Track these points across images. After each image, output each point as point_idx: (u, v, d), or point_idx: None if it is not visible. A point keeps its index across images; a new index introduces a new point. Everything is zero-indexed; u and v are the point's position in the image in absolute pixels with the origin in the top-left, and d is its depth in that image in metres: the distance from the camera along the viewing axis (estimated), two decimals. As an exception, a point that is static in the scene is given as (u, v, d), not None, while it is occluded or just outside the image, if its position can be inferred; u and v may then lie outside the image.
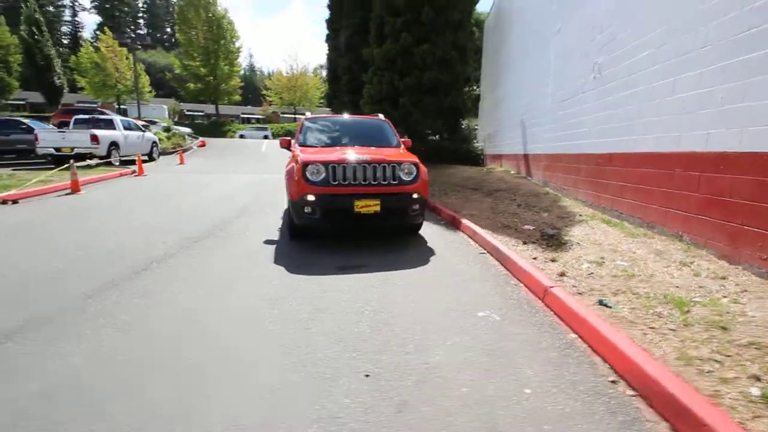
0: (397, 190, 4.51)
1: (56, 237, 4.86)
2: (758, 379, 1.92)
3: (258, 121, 49.13)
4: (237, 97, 37.94)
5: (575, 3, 7.33)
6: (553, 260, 4.03)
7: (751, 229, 3.30)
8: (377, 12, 14.20)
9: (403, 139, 5.85)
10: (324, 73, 66.16)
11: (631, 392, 1.96)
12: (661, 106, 4.53)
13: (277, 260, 4.12)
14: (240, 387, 1.97)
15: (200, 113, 48.21)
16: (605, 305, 2.87)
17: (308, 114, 5.96)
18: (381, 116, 6.26)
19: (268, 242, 4.87)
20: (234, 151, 20.44)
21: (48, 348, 2.32)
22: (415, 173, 4.66)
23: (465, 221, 5.57)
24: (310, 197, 4.37)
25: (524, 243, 4.74)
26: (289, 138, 5.69)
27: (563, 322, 2.71)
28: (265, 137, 30.84)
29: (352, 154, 4.57)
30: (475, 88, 18.42)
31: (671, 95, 4.37)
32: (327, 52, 20.82)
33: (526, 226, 5.51)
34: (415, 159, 4.74)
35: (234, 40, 35.15)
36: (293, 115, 49.31)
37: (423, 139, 14.32)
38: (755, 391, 1.82)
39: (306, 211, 4.42)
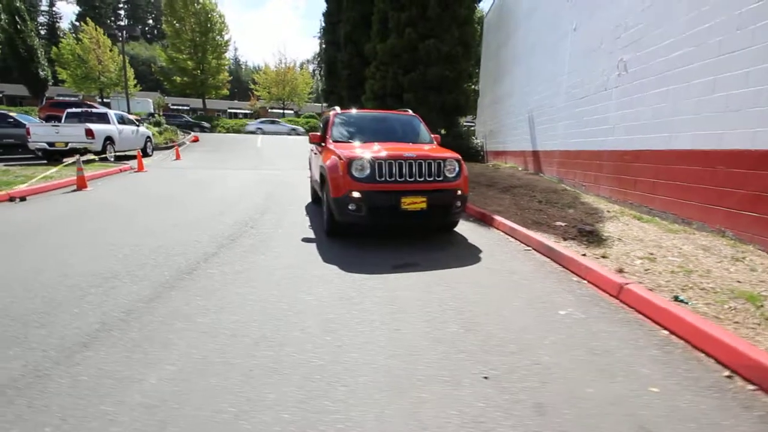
0: (442, 187, 4.47)
1: (86, 238, 4.63)
2: None
3: (246, 116, 48.19)
4: (225, 92, 37.04)
5: (594, 2, 7.39)
6: (603, 256, 4.06)
7: (807, 224, 3.38)
8: (380, 6, 14.04)
9: (434, 135, 5.80)
10: (311, 68, 65.61)
11: (752, 387, 1.97)
12: (700, 104, 4.60)
13: (327, 259, 4.02)
14: (367, 395, 1.89)
15: (186, 107, 47.00)
16: (681, 301, 2.90)
17: (337, 109, 5.84)
18: (410, 111, 6.19)
19: (307, 240, 4.77)
20: (229, 146, 19.99)
21: (135, 355, 2.19)
22: (458, 170, 4.63)
23: (498, 218, 5.57)
24: (356, 194, 4.28)
25: (564, 239, 4.76)
26: (319, 133, 5.57)
27: (649, 318, 2.72)
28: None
29: (396, 150, 4.50)
30: (473, 85, 18.42)
31: (711, 93, 4.44)
32: (323, 46, 20.60)
33: (557, 223, 5.54)
34: (458, 156, 4.70)
35: (223, 33, 34.32)
36: (282, 110, 48.65)
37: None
38: None
39: (350, 208, 4.34)
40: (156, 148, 17.21)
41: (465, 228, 5.53)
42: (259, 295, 3.06)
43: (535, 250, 4.47)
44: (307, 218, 6.04)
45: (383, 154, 4.40)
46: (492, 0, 16.59)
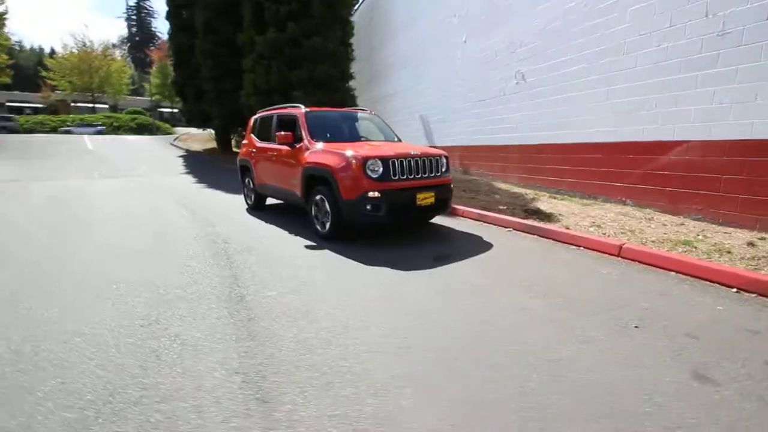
0: (442, 182, 4.82)
1: (24, 277, 3.24)
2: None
3: (36, 111, 37.21)
4: (5, 79, 27.85)
5: (485, 20, 8.76)
6: (567, 227, 5.11)
7: (686, 191, 5.06)
8: (252, -5, 13.08)
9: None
10: (117, 53, 55.12)
11: (753, 294, 3.03)
12: (597, 108, 6.17)
13: (365, 261, 3.88)
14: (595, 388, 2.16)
15: (-72, 99, 33.32)
16: (656, 251, 4.02)
17: (303, 108, 5.46)
18: (369, 110, 6.24)
19: (311, 247, 4.45)
20: (48, 151, 15.44)
21: (353, 407, 1.90)
22: (446, 165, 5.02)
23: (460, 207, 6.22)
24: (374, 194, 4.26)
25: (522, 218, 5.72)
26: (290, 133, 5.13)
27: (652, 265, 3.69)
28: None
29: (400, 149, 4.65)
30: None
31: (606, 101, 6.02)
32: (169, 32, 17.75)
33: (499, 206, 6.54)
34: (445, 152, 5.09)
35: (-7, 0, 25.59)
36: (91, 105, 39.66)
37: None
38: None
39: (368, 208, 4.29)
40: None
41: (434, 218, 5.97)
42: (354, 310, 2.83)
43: (515, 230, 5.25)
44: (273, 226, 5.50)
45: (391, 152, 4.47)
46: (358, 3, 17.29)
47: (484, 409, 1.78)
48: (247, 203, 6.89)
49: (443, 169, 4.91)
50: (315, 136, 5.07)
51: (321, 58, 13.02)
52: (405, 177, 4.45)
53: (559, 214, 5.75)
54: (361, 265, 3.83)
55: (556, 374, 2.04)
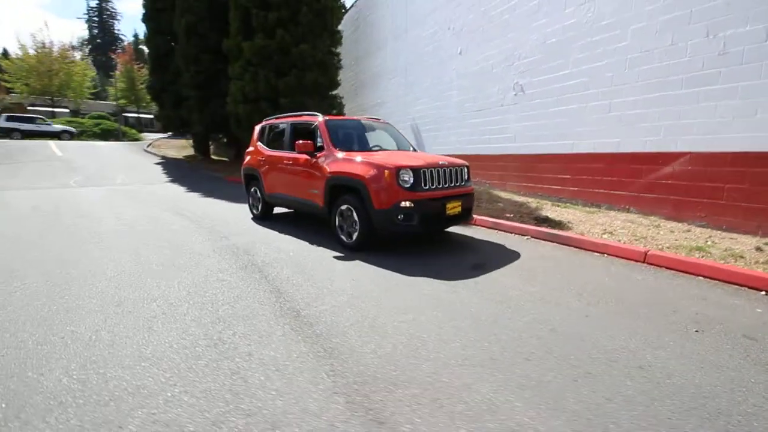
0: (467, 191, 4.89)
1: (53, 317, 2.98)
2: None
3: (-12, 115, 34.57)
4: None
5: (479, 34, 9.00)
6: (582, 234, 5.29)
7: (689, 199, 5.36)
8: (241, 2, 12.82)
9: (408, 143, 6.08)
10: (77, 56, 52.67)
11: (782, 297, 3.25)
12: (599, 120, 6.45)
13: (407, 272, 3.85)
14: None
15: None
16: (676, 257, 4.22)
17: (321, 116, 5.38)
18: (382, 119, 6.24)
19: (341, 258, 4.38)
20: (10, 157, 14.39)
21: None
22: (468, 174, 5.10)
23: (474, 215, 6.30)
24: (407, 203, 4.25)
25: (535, 226, 5.87)
26: (311, 141, 5.05)
27: (680, 271, 3.88)
28: None
29: (430, 159, 4.67)
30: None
31: (608, 113, 6.31)
32: (147, 35, 17.09)
33: (506, 215, 6.69)
34: (467, 163, 5.16)
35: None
36: (51, 109, 37.46)
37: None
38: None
39: (400, 218, 4.27)
40: None
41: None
42: (420, 322, 2.82)
43: (533, 237, 5.38)
44: (289, 236, 5.37)
45: (422, 162, 4.49)
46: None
47: (600, 419, 1.80)
48: (252, 213, 6.69)
49: (466, 179, 4.98)
50: (336, 144, 5.02)
51: (309, 66, 12.94)
52: (435, 187, 4.47)
53: (569, 222, 5.93)
54: (402, 275, 3.79)
55: (648, 380, 2.09)
